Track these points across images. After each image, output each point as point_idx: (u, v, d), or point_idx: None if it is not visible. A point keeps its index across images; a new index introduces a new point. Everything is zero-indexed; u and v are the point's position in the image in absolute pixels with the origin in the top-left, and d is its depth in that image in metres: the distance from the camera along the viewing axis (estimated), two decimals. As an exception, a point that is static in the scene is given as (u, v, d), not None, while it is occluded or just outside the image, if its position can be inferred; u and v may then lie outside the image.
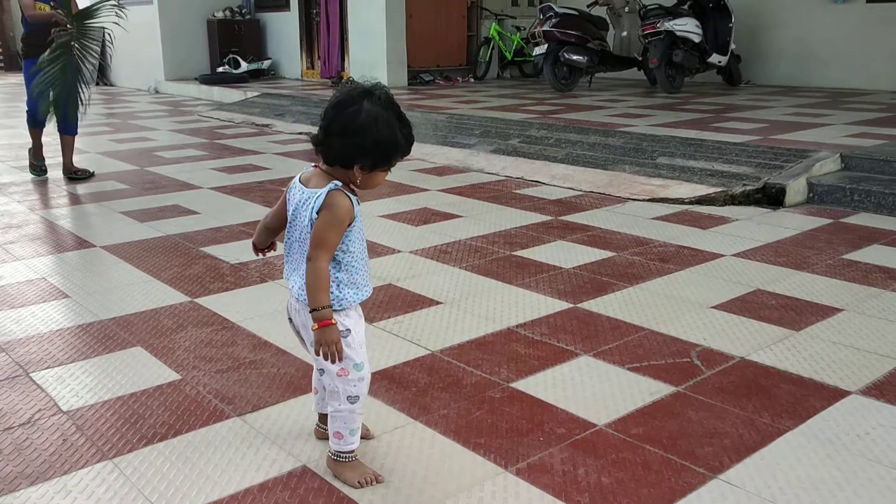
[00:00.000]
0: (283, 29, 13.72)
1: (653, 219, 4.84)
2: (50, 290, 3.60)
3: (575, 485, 2.09)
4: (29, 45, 6.04)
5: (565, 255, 4.11)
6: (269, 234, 2.26)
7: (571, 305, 3.39)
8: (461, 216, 4.94)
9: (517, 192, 5.67)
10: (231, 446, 2.28)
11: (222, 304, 3.43)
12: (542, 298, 3.47)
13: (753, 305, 3.36)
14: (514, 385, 2.65)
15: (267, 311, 3.34)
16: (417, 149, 7.28)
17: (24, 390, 2.64)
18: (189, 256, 4.11)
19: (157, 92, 13.85)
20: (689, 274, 3.79)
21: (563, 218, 4.88)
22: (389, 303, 3.43)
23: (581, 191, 5.63)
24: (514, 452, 2.24)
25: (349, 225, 2.00)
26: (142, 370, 2.79)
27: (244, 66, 13.32)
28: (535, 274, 3.80)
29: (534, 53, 10.49)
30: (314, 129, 5.90)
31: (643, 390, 2.61)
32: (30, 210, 5.17)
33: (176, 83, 13.58)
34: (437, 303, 3.43)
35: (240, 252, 4.15)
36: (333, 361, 1.98)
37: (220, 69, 13.32)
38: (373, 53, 11.65)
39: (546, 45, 9.91)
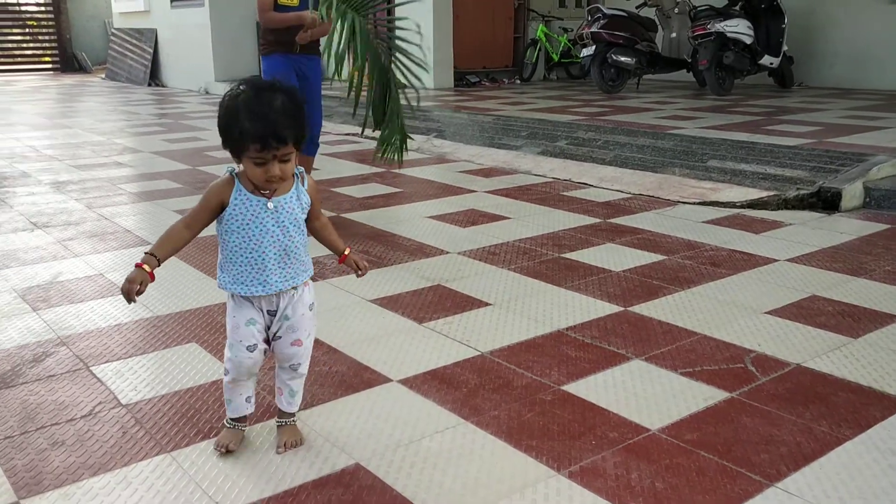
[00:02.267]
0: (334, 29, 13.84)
1: (704, 222, 4.78)
2: (108, 287, 3.69)
3: (628, 489, 2.07)
4: (272, 42, 4.84)
5: (615, 257, 4.08)
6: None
7: (622, 309, 3.36)
8: (509, 218, 4.94)
9: (565, 194, 5.64)
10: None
11: (274, 302, 3.47)
12: (591, 301, 3.45)
13: (809, 311, 3.30)
14: (565, 388, 2.64)
15: (318, 310, 3.37)
16: (464, 150, 7.31)
17: (85, 383, 2.71)
18: (241, 255, 4.17)
19: (207, 93, 14.08)
20: (741, 278, 3.73)
21: (612, 220, 4.85)
22: (439, 303, 3.44)
23: (630, 193, 5.59)
24: (567, 455, 2.23)
25: (218, 210, 2.10)
26: (197, 365, 2.84)
27: (292, 67, 13.46)
28: (585, 277, 3.78)
29: (581, 55, 10.44)
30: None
31: (696, 395, 2.58)
32: (87, 208, 5.30)
33: (226, 84, 13.76)
34: (486, 304, 3.44)
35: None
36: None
37: (269, 70, 13.48)
38: (420, 54, 11.70)
39: (594, 47, 9.85)
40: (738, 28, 9.39)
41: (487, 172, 6.48)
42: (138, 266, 2.02)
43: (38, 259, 4.10)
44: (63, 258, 4.12)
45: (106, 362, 2.88)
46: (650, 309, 3.35)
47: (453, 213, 5.05)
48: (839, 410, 2.47)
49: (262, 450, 2.28)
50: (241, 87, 2.02)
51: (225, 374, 2.24)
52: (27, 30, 19.85)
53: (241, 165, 2.09)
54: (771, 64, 9.91)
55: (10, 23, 19.66)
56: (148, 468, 2.19)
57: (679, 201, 5.30)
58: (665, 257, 4.07)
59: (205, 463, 2.21)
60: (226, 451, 2.24)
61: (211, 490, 2.08)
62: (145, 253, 2.06)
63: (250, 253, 2.10)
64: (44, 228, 4.75)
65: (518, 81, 12.78)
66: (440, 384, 2.68)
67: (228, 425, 2.30)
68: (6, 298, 3.54)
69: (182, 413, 2.50)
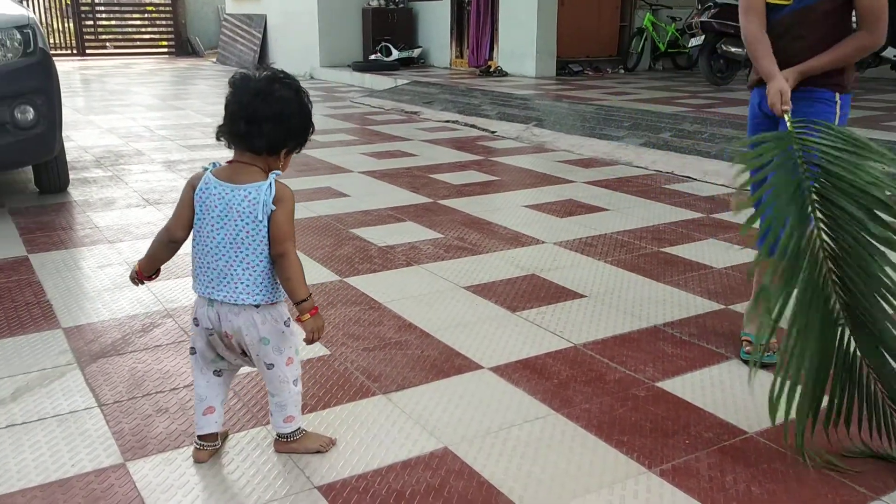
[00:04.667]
0: (435, 18, 13.91)
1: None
2: (212, 263, 3.82)
3: (722, 491, 2.01)
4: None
5: (717, 254, 3.95)
6: (168, 253, 2.08)
7: (722, 307, 3.26)
8: (607, 209, 4.85)
9: (666, 187, 5.51)
10: (376, 423, 2.35)
11: (370, 284, 3.52)
12: (691, 298, 3.36)
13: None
14: (659, 384, 2.59)
15: (412, 294, 3.41)
16: (564, 140, 7.22)
17: (188, 355, 2.82)
18: (339, 237, 4.26)
19: (311, 77, 14.38)
20: (852, 281, 3.55)
21: (715, 216, 4.70)
22: (532, 293, 3.42)
23: (735, 189, 5.40)
24: (659, 453, 2.18)
25: None
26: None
27: (395, 53, 13.61)
28: (685, 272, 3.68)
29: (689, 45, 10.17)
30: (461, 118, 5.96)
31: (799, 400, 2.48)
32: (196, 186, 5.50)
33: (330, 69, 14.06)
34: (581, 296, 3.39)
35: (387, 235, 4.25)
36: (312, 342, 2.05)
37: (373, 57, 13.67)
38: (522, 43, 11.63)
39: (703, 37, 9.56)
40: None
41: (587, 163, 6.39)
42: (315, 313, 2.05)
43: (150, 234, 4.29)
44: (172, 234, 4.29)
45: (209, 335, 2.99)
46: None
47: (550, 203, 5.00)
48: (956, 424, 2.32)
49: (355, 426, 2.32)
50: (284, 81, 2.00)
51: (297, 384, 2.15)
52: (146, 15, 20.76)
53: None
54: (894, 56, 9.38)
55: (130, 9, 20.61)
56: (245, 439, 2.27)
57: (787, 198, 5.09)
58: (770, 255, 3.91)
59: (298, 438, 2.27)
60: (332, 444, 2.23)
61: (303, 465, 2.13)
62: (305, 300, 2.03)
63: None
64: (155, 205, 4.96)
65: (622, 71, 12.53)
66: (531, 374, 2.66)
67: (303, 431, 2.21)
68: (118, 270, 3.72)
69: (278, 388, 2.57)
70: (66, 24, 19.21)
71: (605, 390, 2.55)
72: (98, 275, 3.66)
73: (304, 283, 2.02)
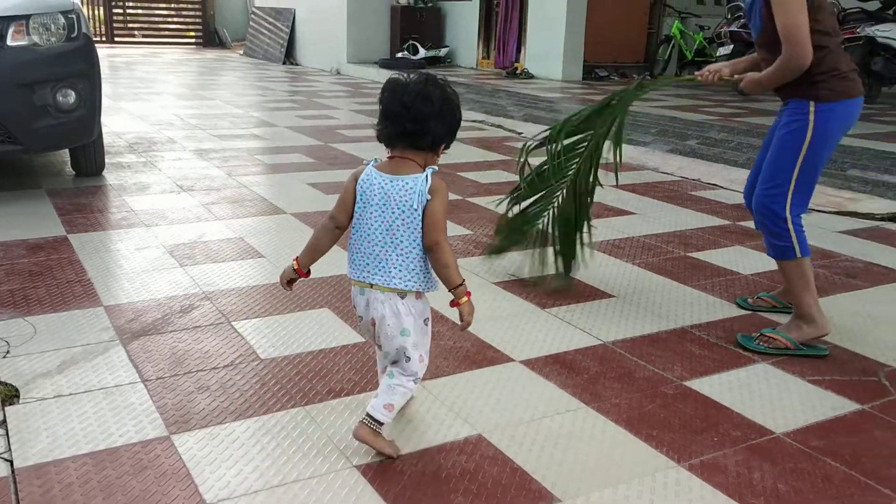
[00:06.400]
0: (463, 18, 13.98)
1: (840, 232, 4.61)
2: (247, 250, 3.90)
3: (749, 487, 2.06)
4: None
5: (743, 260, 3.99)
6: (332, 240, 2.21)
7: (749, 313, 3.30)
8: (635, 213, 4.90)
9: (693, 193, 5.54)
10: (411, 408, 2.41)
11: (402, 276, 3.58)
12: (718, 302, 3.41)
13: (952, 331, 3.15)
14: (687, 383, 2.64)
15: (444, 288, 3.46)
16: (590, 143, 7.26)
17: (227, 336, 2.90)
18: (370, 229, 4.32)
19: (338, 73, 14.48)
20: (878, 292, 3.59)
21: (742, 224, 4.73)
22: (562, 291, 3.47)
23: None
24: (688, 449, 2.24)
25: None
26: (330, 329, 2.99)
27: (422, 52, 13.70)
28: (711, 277, 3.73)
29: (717, 54, 10.17)
30: (487, 118, 6.03)
31: (825, 404, 2.52)
32: (228, 175, 5.59)
33: (357, 66, 14.16)
34: (610, 296, 3.45)
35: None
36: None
37: (399, 55, 13.76)
38: (549, 45, 11.68)
39: (731, 46, 9.57)
40: (890, 33, 8.92)
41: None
42: (469, 297, 2.14)
43: (184, 219, 4.38)
44: (206, 220, 4.39)
45: (246, 319, 3.07)
46: (781, 315, 3.27)
47: (578, 205, 5.04)
48: (981, 434, 2.37)
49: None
50: (434, 80, 2.12)
51: (417, 381, 2.18)
52: (172, 4, 20.92)
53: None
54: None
55: (158, -2, 20.80)
56: (284, 418, 2.34)
57: (814, 209, 5.12)
58: (796, 264, 3.95)
59: (336, 419, 2.34)
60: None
61: (342, 445, 2.20)
62: (460, 285, 2.13)
63: None
64: (189, 192, 5.05)
65: (649, 78, 12.55)
66: (561, 368, 2.72)
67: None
68: (156, 253, 3.81)
69: (315, 372, 2.64)
70: (96, 12, 19.40)
71: (634, 387, 2.60)
72: (136, 256, 3.75)
73: (458, 270, 2.13)
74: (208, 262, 3.70)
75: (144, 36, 20.55)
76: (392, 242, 2.09)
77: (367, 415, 2.12)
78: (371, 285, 2.12)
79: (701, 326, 3.13)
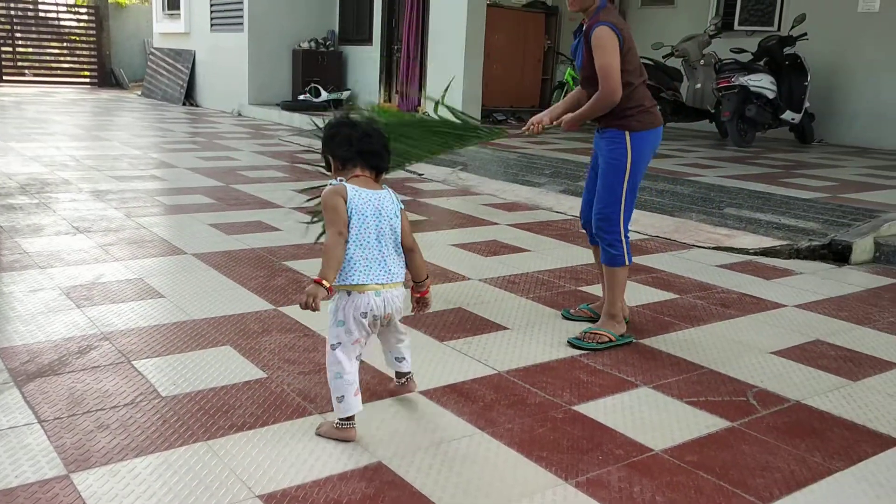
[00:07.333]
0: (364, 62, 14.21)
1: (717, 266, 4.95)
2: (147, 290, 3.90)
3: (630, 500, 2.23)
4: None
5: (629, 293, 4.22)
6: (343, 252, 2.49)
7: (634, 341, 3.53)
8: (529, 250, 5.12)
9: (584, 231, 5.81)
10: (313, 439, 2.49)
11: (304, 313, 3.64)
12: (605, 332, 3.62)
13: (812, 354, 3.46)
14: (575, 408, 2.81)
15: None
16: (488, 185, 7.53)
17: (128, 375, 2.91)
18: (272, 269, 4.38)
19: (239, 115, 14.44)
20: (749, 320, 3.89)
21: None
22: (459, 324, 3.62)
23: (647, 235, 5.77)
24: (574, 467, 2.39)
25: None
26: (231, 366, 3.03)
27: (324, 95, 13.82)
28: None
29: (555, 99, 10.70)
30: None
31: (699, 423, 2.74)
32: (126, 216, 5.54)
33: (258, 107, 14.15)
34: (504, 328, 3.61)
35: (319, 268, 4.39)
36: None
37: (301, 97, 13.85)
38: (449, 91, 11.98)
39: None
40: (762, 83, 9.61)
41: (510, 207, 6.69)
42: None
43: (81, 261, 4.33)
44: (104, 261, 4.34)
45: (146, 358, 3.08)
46: (660, 342, 3.51)
47: (476, 243, 5.25)
48: (833, 444, 2.62)
49: (293, 443, 2.45)
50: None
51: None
52: (65, 43, 20.42)
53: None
54: (792, 119, 10.10)
55: (49, 36, 20.25)
56: (186, 453, 2.37)
57: (694, 245, 5.47)
58: (677, 296, 4.24)
59: (238, 452, 2.39)
60: None
61: (244, 476, 2.26)
62: (427, 277, 2.73)
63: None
64: (85, 233, 4.98)
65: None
66: (458, 397, 2.85)
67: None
68: (52, 294, 3.76)
69: (217, 408, 2.68)
70: (-18, 50, 18.76)
71: (526, 412, 2.76)
72: (31, 298, 3.69)
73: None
74: (107, 303, 3.67)
75: (36, 75, 19.96)
76: (390, 243, 2.52)
77: (409, 372, 2.86)
78: (384, 285, 2.50)
79: (588, 355, 3.33)
